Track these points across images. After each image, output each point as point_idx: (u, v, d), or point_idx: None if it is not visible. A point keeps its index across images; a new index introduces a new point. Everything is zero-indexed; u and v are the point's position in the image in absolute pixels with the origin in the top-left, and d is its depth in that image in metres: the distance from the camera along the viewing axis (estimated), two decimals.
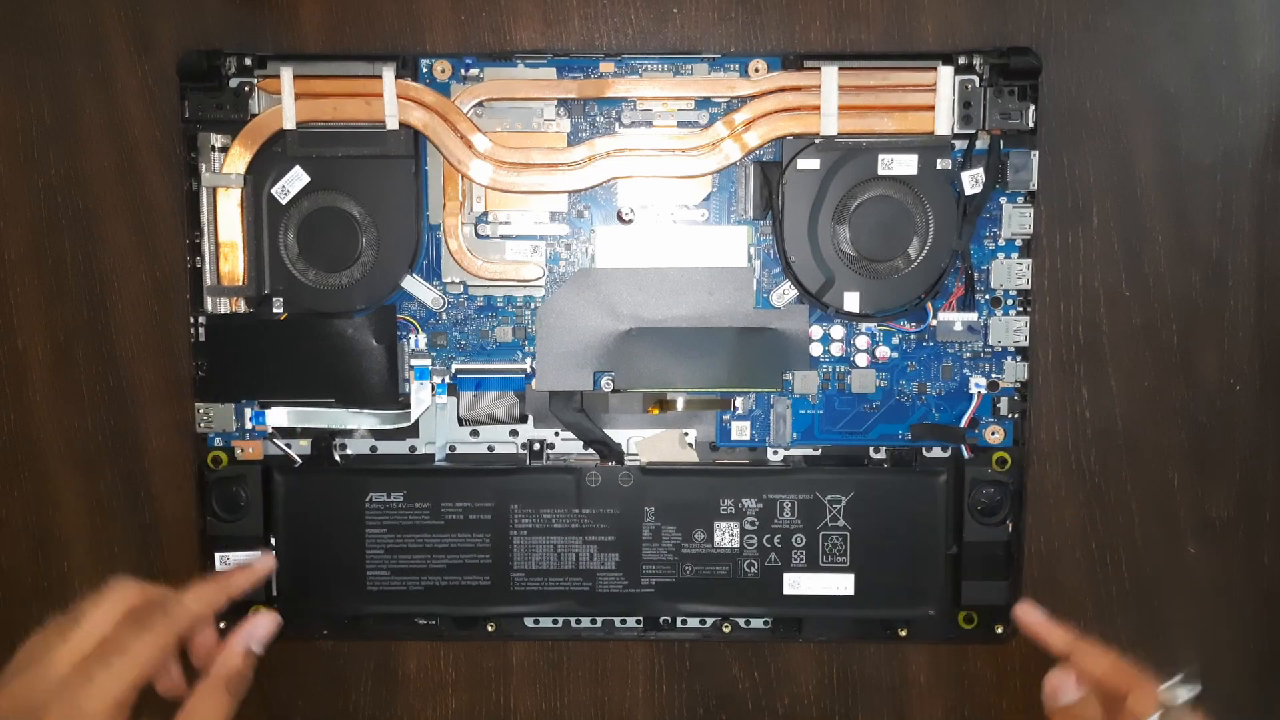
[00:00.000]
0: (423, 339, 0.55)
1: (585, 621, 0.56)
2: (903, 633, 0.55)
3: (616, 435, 0.55)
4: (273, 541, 0.54)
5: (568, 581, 0.55)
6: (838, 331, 0.55)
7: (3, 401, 0.56)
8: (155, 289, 0.56)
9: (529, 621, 0.56)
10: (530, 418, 0.55)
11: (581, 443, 0.55)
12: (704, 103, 0.54)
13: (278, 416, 0.55)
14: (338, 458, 0.55)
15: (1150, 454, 0.56)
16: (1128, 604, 0.57)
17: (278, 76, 0.52)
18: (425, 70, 0.54)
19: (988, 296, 0.54)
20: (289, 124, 0.53)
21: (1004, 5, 0.55)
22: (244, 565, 0.51)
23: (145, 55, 0.55)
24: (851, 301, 0.53)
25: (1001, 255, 0.54)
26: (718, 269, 0.54)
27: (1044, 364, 0.56)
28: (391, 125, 0.53)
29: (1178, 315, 0.56)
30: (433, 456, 0.55)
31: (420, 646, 0.58)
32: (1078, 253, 0.56)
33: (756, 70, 0.53)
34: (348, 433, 0.55)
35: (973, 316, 0.54)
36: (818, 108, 0.52)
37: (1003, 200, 0.54)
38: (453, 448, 0.55)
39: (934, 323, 0.54)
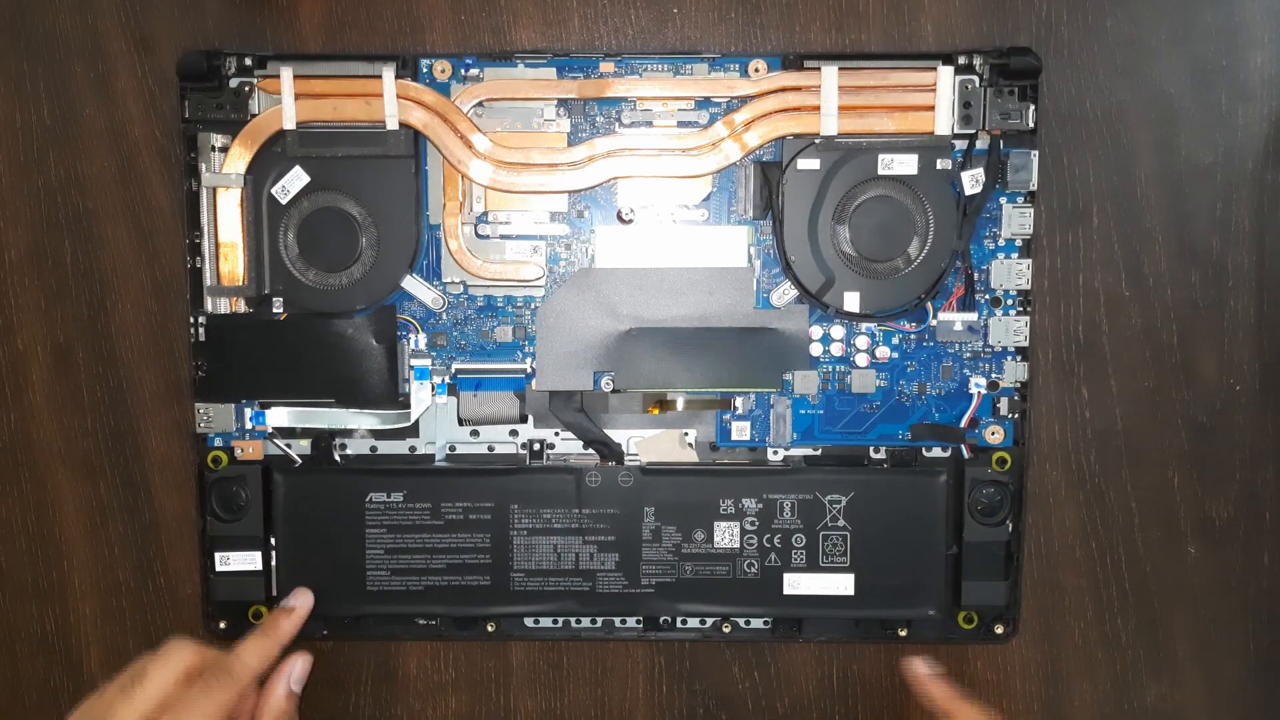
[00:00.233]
0: (423, 339, 0.55)
1: (585, 622, 0.56)
2: (903, 633, 0.55)
3: (616, 435, 0.55)
4: (273, 541, 0.54)
5: (568, 581, 0.55)
6: (838, 331, 0.55)
7: (3, 402, 0.56)
8: (155, 289, 0.56)
9: (529, 621, 0.56)
10: (530, 418, 0.55)
11: (581, 443, 0.55)
12: (704, 103, 0.54)
13: (278, 416, 0.55)
14: (338, 458, 0.55)
15: (1150, 454, 0.56)
16: (1128, 604, 0.57)
17: (278, 76, 0.52)
18: (425, 70, 0.54)
19: (988, 296, 0.54)
20: (289, 124, 0.53)
21: (1004, 5, 0.55)
22: (284, 609, 0.52)
23: (145, 56, 0.55)
24: (851, 301, 0.53)
25: (1001, 255, 0.54)
26: (718, 269, 0.54)
27: (1044, 364, 0.56)
28: (391, 125, 0.53)
29: (1178, 316, 0.56)
30: (433, 456, 0.55)
31: (420, 647, 0.58)
32: (1078, 253, 0.56)
33: (756, 70, 0.53)
34: (348, 433, 0.55)
35: (973, 316, 0.54)
36: (818, 108, 0.52)
37: (1003, 200, 0.54)
38: (453, 448, 0.55)
39: (934, 323, 0.54)
